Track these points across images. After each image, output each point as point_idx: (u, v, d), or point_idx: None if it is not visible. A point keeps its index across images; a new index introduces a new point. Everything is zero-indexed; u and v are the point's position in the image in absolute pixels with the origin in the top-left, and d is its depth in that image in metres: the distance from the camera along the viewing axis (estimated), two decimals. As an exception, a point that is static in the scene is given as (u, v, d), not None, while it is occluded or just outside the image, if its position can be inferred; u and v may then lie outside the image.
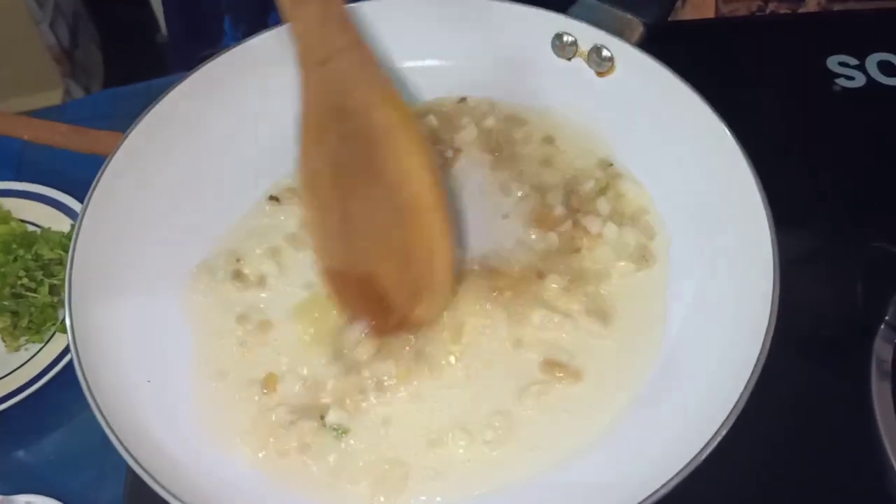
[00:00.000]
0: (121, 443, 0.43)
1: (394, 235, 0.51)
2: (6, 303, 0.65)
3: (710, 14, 0.78)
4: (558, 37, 0.59)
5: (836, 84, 0.70)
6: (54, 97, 1.62)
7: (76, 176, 0.78)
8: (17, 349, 0.66)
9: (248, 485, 0.47)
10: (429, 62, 0.62)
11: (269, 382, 0.51)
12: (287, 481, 0.47)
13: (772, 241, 0.47)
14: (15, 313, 0.65)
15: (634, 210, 0.55)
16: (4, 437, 0.64)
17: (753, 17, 0.78)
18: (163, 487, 0.42)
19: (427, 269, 0.51)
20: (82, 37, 1.75)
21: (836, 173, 0.65)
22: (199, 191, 0.57)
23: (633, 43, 0.57)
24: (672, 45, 0.67)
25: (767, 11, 0.79)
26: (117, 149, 0.54)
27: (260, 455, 0.48)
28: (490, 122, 0.59)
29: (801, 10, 0.80)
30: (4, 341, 0.66)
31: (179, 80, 0.58)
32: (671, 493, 0.42)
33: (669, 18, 0.74)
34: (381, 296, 0.51)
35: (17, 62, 1.58)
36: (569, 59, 0.59)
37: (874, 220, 0.62)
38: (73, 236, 0.50)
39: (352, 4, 0.58)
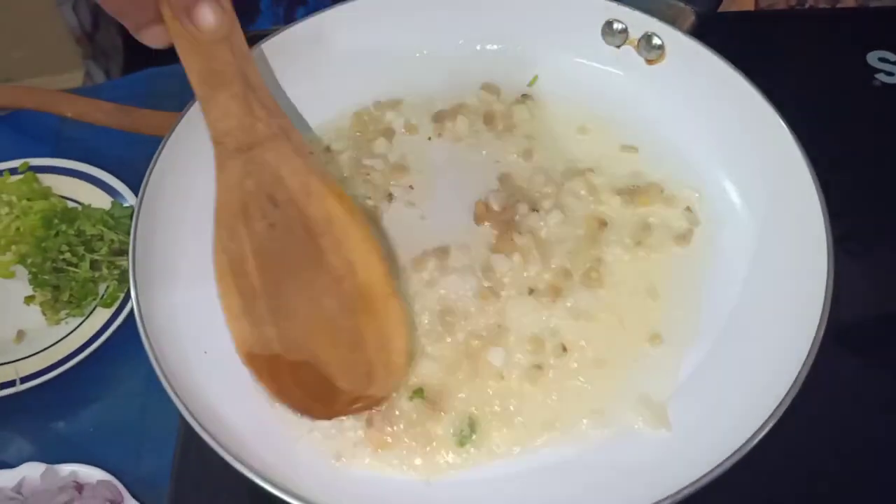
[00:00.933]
0: (183, 404, 0.43)
1: (340, 322, 0.49)
2: (47, 277, 0.66)
3: (750, 7, 0.78)
4: (608, 24, 0.59)
5: (876, 79, 0.70)
6: (75, 79, 1.63)
7: (114, 153, 0.79)
8: (57, 322, 0.67)
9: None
10: (478, 47, 0.62)
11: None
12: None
13: (825, 223, 0.48)
14: (56, 287, 0.66)
15: (683, 196, 0.56)
16: (45, 409, 0.65)
17: (793, 11, 0.79)
18: (220, 445, 0.42)
19: (382, 353, 0.49)
20: (103, 19, 1.75)
21: (876, 167, 0.66)
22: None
23: (684, 31, 0.57)
24: (711, 36, 0.68)
25: (807, 6, 0.79)
26: (175, 127, 0.54)
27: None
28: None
29: (839, 5, 0.80)
30: (45, 315, 0.67)
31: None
32: (716, 482, 0.42)
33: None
34: (325, 379, 0.49)
35: (38, 43, 1.59)
36: (618, 46, 0.60)
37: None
38: (135, 213, 0.50)
39: None
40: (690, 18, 0.57)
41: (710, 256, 0.53)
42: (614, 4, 0.58)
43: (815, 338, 0.44)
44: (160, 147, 0.54)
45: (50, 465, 0.57)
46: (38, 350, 0.65)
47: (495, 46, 0.62)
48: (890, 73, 0.70)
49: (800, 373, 0.43)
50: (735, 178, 0.55)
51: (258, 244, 0.49)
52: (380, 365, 0.49)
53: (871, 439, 0.55)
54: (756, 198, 0.54)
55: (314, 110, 0.60)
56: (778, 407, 0.43)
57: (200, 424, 0.43)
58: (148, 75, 0.90)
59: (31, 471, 0.57)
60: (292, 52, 0.59)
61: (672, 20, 0.57)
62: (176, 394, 0.44)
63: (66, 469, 0.57)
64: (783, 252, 0.51)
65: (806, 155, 0.50)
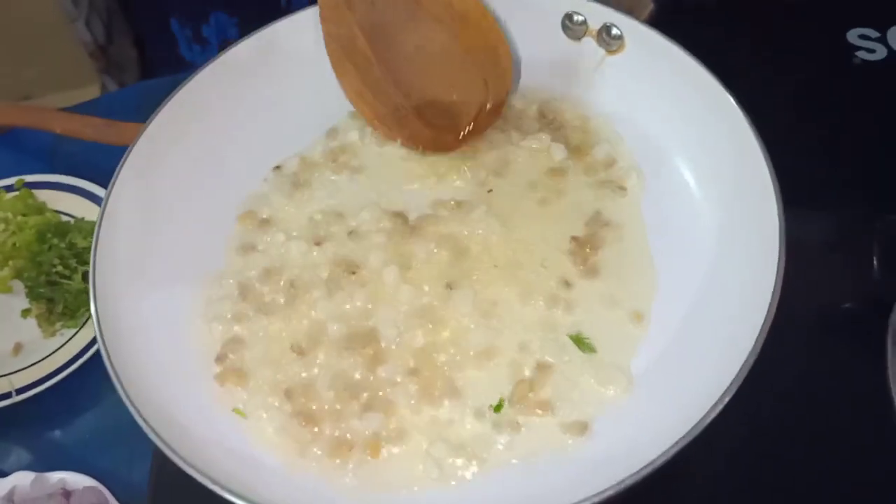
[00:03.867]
0: (144, 420, 0.45)
1: (450, 51, 0.59)
2: (42, 290, 0.68)
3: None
4: (568, 17, 0.59)
5: (857, 57, 0.69)
6: (91, 93, 1.66)
7: (109, 167, 0.81)
8: (52, 334, 0.68)
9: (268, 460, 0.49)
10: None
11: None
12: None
13: (779, 216, 0.47)
14: (50, 300, 0.68)
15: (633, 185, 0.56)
16: (41, 419, 0.67)
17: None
18: (185, 461, 0.43)
19: (490, 60, 0.58)
20: (117, 33, 1.79)
21: (855, 146, 0.65)
22: (213, 175, 0.59)
23: (642, 20, 0.57)
24: (690, 16, 0.67)
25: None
26: (137, 138, 0.56)
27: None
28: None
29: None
30: (41, 327, 0.69)
31: (196, 71, 0.59)
32: (682, 459, 0.42)
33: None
34: (448, 107, 0.58)
35: (53, 60, 1.62)
36: (579, 38, 0.60)
37: (893, 195, 0.61)
38: (97, 223, 0.52)
39: None
40: (649, 7, 0.57)
41: (661, 251, 0.53)
42: (572, -5, 0.58)
43: (759, 334, 0.44)
44: (123, 158, 0.55)
45: (39, 473, 0.59)
46: (34, 361, 0.67)
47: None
48: (870, 51, 0.69)
49: (744, 364, 0.44)
50: (693, 166, 0.55)
51: (363, 19, 0.58)
52: (491, 70, 0.58)
53: (848, 416, 0.54)
54: (714, 186, 0.54)
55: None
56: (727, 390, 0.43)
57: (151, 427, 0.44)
58: (143, 87, 0.92)
59: (22, 479, 0.59)
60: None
61: (630, 9, 0.57)
62: (131, 401, 0.45)
63: (55, 477, 0.59)
64: (738, 246, 0.51)
65: (762, 143, 0.50)
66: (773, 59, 0.69)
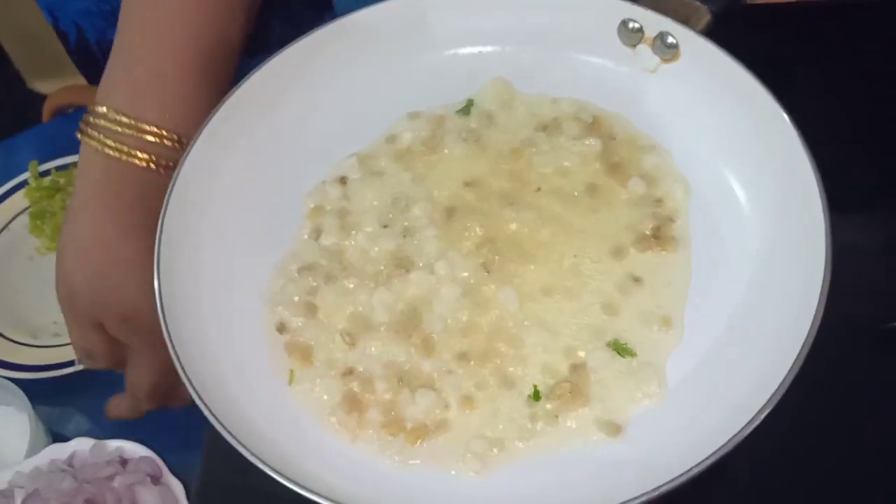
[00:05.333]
0: (201, 398, 0.47)
1: None
2: None
3: (791, -5, 0.76)
4: (624, 23, 0.60)
5: (918, 71, 0.68)
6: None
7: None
8: None
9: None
10: (492, 49, 0.64)
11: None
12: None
13: (825, 234, 0.48)
14: None
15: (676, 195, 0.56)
16: (102, 387, 0.70)
17: (831, 1, 0.76)
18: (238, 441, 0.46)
19: None
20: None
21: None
22: (275, 169, 0.61)
23: (699, 30, 0.57)
24: (748, 26, 0.67)
25: (848, -6, 0.77)
26: (203, 127, 0.58)
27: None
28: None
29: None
30: None
31: (265, 62, 0.61)
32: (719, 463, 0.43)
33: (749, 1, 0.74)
34: None
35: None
36: (634, 45, 0.60)
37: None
38: (162, 211, 0.54)
39: None
40: (706, 17, 0.57)
41: (706, 256, 0.54)
42: (628, 4, 0.59)
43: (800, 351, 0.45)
44: (189, 147, 0.57)
45: (98, 441, 0.62)
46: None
47: (508, 49, 0.64)
48: (930, 64, 0.68)
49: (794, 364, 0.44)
50: (742, 178, 0.55)
51: None
52: None
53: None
54: (762, 201, 0.54)
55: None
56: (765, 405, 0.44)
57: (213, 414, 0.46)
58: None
59: (82, 445, 0.62)
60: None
61: (686, 19, 0.57)
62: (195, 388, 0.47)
63: (113, 444, 0.62)
64: (782, 260, 0.51)
65: (813, 159, 0.50)
66: (831, 69, 0.68)
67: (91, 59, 0.93)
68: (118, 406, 0.64)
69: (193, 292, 0.53)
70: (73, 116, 0.89)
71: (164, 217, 0.54)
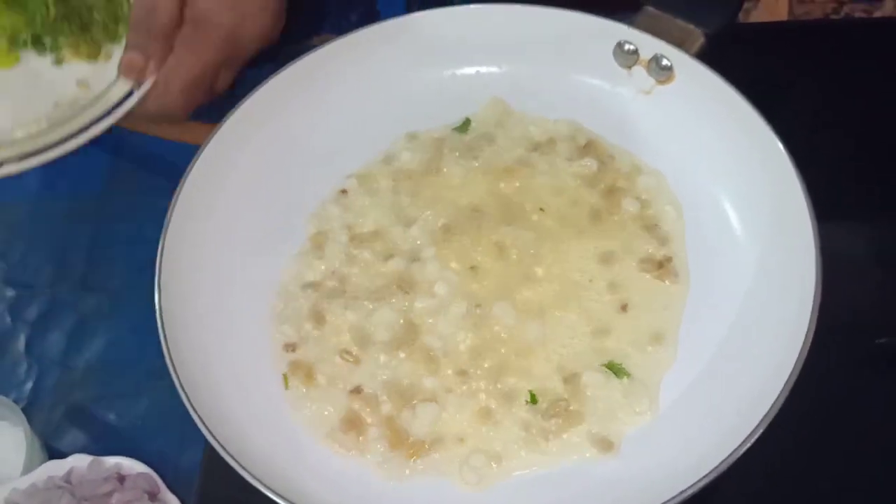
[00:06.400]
0: (199, 417, 0.47)
1: None
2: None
3: (783, 15, 0.77)
4: (619, 46, 0.61)
5: (908, 92, 0.69)
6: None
7: (174, 161, 0.84)
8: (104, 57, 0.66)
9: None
10: (490, 69, 0.65)
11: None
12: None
13: (816, 257, 0.49)
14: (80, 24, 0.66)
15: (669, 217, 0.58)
16: (100, 401, 0.70)
17: (824, 21, 0.77)
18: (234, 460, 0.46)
19: None
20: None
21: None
22: (276, 187, 0.62)
23: (693, 52, 0.58)
24: (742, 47, 0.68)
25: (842, 13, 0.78)
26: (209, 139, 0.59)
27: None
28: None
29: (877, 13, 0.78)
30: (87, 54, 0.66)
31: (273, 75, 0.62)
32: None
33: (741, 20, 0.75)
34: None
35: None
36: (629, 67, 0.61)
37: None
38: (165, 222, 0.55)
39: (412, 14, 0.62)
40: (700, 40, 0.58)
41: (701, 278, 0.55)
42: (624, 26, 0.60)
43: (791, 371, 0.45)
44: (194, 159, 0.58)
45: (96, 457, 0.62)
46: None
47: (505, 69, 0.64)
48: (921, 86, 0.69)
49: (782, 390, 0.46)
50: (735, 202, 0.56)
51: None
52: None
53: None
54: (754, 224, 0.55)
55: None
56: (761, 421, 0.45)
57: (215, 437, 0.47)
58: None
59: (79, 462, 0.62)
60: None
61: (681, 42, 0.58)
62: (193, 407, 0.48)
63: (111, 461, 0.62)
64: (775, 281, 0.52)
65: (804, 183, 0.51)
66: (824, 88, 0.69)
67: None
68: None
69: (195, 310, 0.54)
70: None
71: (165, 235, 0.54)
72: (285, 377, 0.54)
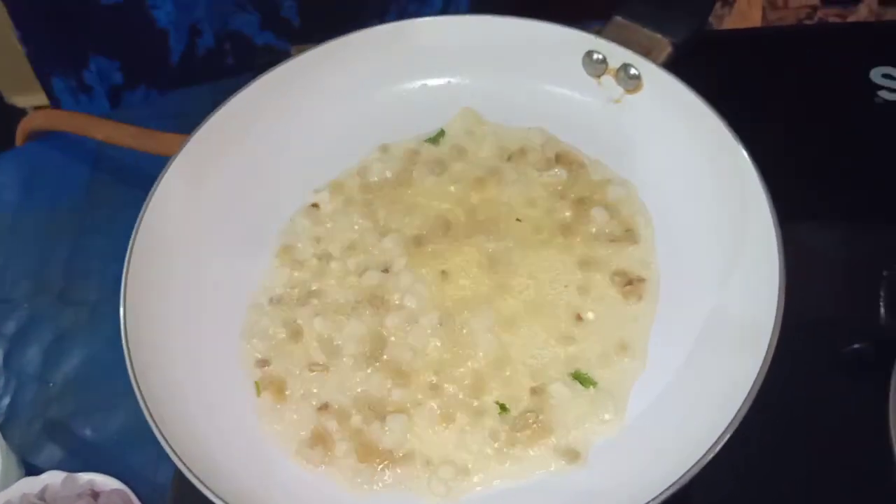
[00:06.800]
0: (161, 433, 0.47)
1: None
2: None
3: (757, 21, 0.78)
4: (588, 55, 0.61)
5: (879, 96, 0.69)
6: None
7: (154, 173, 0.84)
8: None
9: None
10: (461, 80, 0.65)
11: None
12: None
13: (780, 264, 0.49)
14: None
15: (639, 227, 0.57)
16: (77, 416, 0.70)
17: (796, 27, 0.78)
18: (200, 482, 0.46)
19: None
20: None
21: (874, 188, 0.65)
22: (246, 201, 0.62)
23: (660, 62, 0.58)
24: (714, 54, 0.69)
25: (815, 19, 0.78)
26: (179, 151, 0.59)
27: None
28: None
29: (850, 18, 0.78)
30: None
31: (243, 87, 0.62)
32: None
33: (715, 27, 0.76)
34: None
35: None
36: (598, 76, 0.61)
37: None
38: (133, 235, 0.55)
39: (382, 25, 0.62)
40: (667, 50, 0.58)
41: (670, 288, 0.55)
42: (592, 36, 0.60)
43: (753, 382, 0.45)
44: (161, 172, 0.58)
45: (70, 474, 0.62)
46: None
47: (476, 79, 0.65)
48: (892, 90, 0.69)
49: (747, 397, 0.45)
50: (702, 212, 0.56)
51: None
52: None
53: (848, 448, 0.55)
54: (720, 234, 0.55)
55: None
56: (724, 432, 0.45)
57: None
58: (181, 94, 0.95)
59: (53, 478, 0.62)
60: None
61: (648, 51, 0.58)
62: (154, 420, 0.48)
63: (85, 477, 0.62)
64: (740, 289, 0.52)
65: (769, 195, 0.51)
66: (793, 98, 0.69)
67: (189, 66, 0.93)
68: None
69: (163, 327, 0.54)
70: (50, 141, 0.89)
71: (131, 251, 0.54)
72: (257, 385, 0.54)
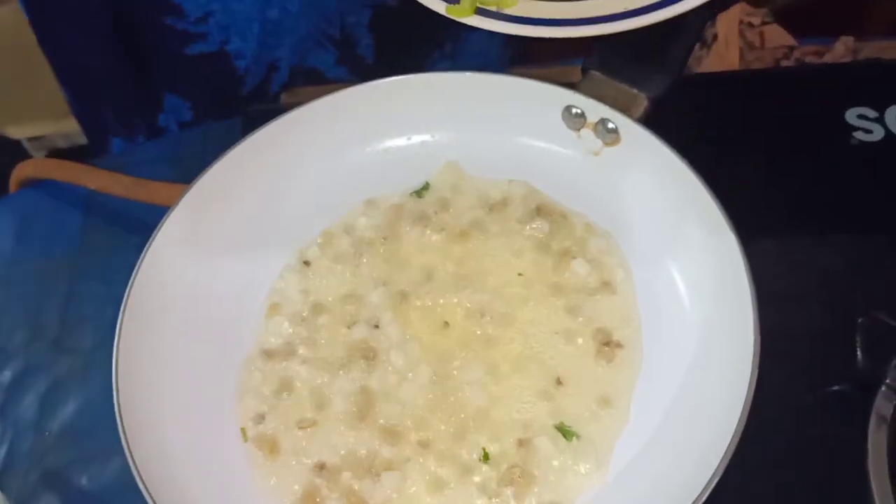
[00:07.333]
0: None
1: None
2: None
3: (735, 62, 0.79)
4: (567, 109, 0.62)
5: (854, 138, 0.71)
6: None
7: (145, 219, 0.85)
8: None
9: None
10: (444, 135, 0.67)
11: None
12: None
13: (754, 319, 0.50)
14: None
15: (619, 279, 0.59)
16: (73, 465, 0.71)
17: (775, 69, 0.79)
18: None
19: None
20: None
21: (850, 231, 0.67)
22: (242, 251, 0.63)
23: (637, 116, 0.59)
24: (693, 97, 0.70)
25: (793, 58, 0.80)
26: (173, 207, 0.61)
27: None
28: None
29: (827, 55, 0.80)
30: None
31: (222, 154, 0.63)
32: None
33: (693, 70, 0.77)
34: None
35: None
36: (578, 130, 0.63)
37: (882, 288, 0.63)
38: (121, 310, 0.56)
39: (370, 83, 0.64)
40: (643, 104, 0.59)
41: (651, 340, 0.56)
42: (570, 92, 0.61)
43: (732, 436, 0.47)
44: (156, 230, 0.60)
45: (66, 524, 0.63)
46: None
47: (459, 134, 0.66)
48: (868, 131, 0.71)
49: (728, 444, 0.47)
50: (680, 265, 0.58)
51: None
52: None
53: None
54: (698, 288, 0.56)
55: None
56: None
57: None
58: (175, 138, 0.97)
59: (50, 530, 0.63)
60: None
61: (626, 107, 0.59)
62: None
63: (81, 529, 0.63)
64: (719, 344, 0.53)
65: (741, 247, 0.52)
66: (770, 140, 0.71)
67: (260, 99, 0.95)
68: None
69: (154, 389, 0.55)
70: (41, 187, 0.90)
71: (122, 315, 0.56)
72: (243, 430, 0.56)
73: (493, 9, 0.57)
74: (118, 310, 0.59)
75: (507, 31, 0.56)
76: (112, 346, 0.58)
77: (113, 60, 0.91)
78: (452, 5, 0.58)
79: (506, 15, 0.57)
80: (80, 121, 1.04)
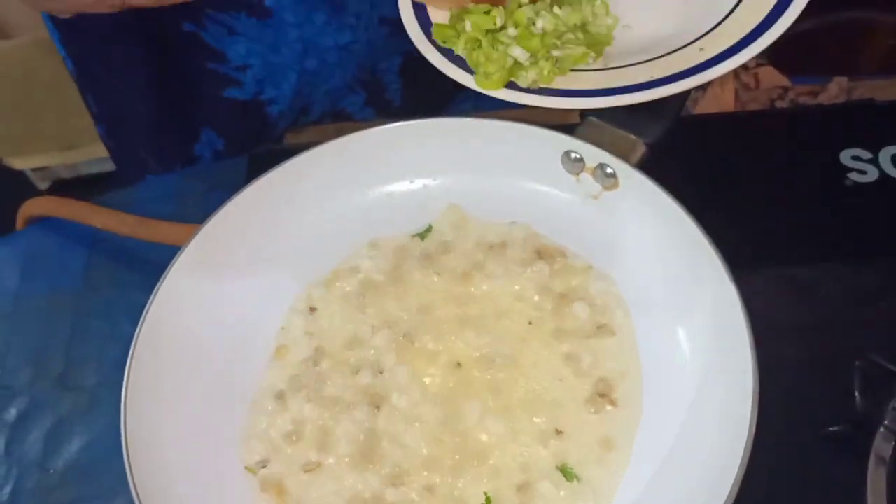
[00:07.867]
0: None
1: None
2: None
3: (731, 104, 0.81)
4: (567, 154, 0.63)
5: (849, 178, 0.72)
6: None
7: (149, 257, 0.87)
8: None
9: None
10: (446, 178, 0.68)
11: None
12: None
13: (752, 363, 0.51)
14: None
15: (619, 322, 0.60)
16: (77, 503, 0.72)
17: (770, 111, 0.81)
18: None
19: None
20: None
21: (845, 270, 0.68)
22: (248, 294, 0.64)
23: (634, 162, 0.60)
24: (689, 138, 0.71)
25: (787, 99, 0.81)
26: (172, 265, 0.62)
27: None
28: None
29: (821, 95, 0.81)
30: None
31: (242, 188, 0.64)
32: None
33: (689, 111, 0.78)
34: None
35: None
36: (577, 174, 0.64)
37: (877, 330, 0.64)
38: (130, 355, 0.57)
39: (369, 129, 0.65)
40: (641, 150, 0.61)
41: (651, 384, 0.57)
42: (569, 137, 0.62)
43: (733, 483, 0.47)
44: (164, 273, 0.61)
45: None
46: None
47: (461, 177, 0.68)
48: (862, 172, 0.72)
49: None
50: (678, 309, 0.58)
51: None
52: None
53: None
54: (695, 332, 0.57)
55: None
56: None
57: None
58: (182, 175, 0.98)
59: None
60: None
61: (624, 152, 0.60)
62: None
63: (87, 570, 0.64)
64: (717, 389, 0.54)
65: (742, 300, 0.53)
66: (765, 181, 0.72)
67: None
68: None
69: (162, 436, 0.56)
70: (47, 224, 0.91)
71: (131, 359, 0.56)
72: (250, 469, 0.56)
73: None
74: (122, 348, 0.59)
75: (538, 104, 0.59)
76: (115, 384, 0.58)
77: (156, 106, 0.93)
78: (482, 78, 0.60)
79: (537, 88, 0.59)
80: (115, 160, 1.05)
